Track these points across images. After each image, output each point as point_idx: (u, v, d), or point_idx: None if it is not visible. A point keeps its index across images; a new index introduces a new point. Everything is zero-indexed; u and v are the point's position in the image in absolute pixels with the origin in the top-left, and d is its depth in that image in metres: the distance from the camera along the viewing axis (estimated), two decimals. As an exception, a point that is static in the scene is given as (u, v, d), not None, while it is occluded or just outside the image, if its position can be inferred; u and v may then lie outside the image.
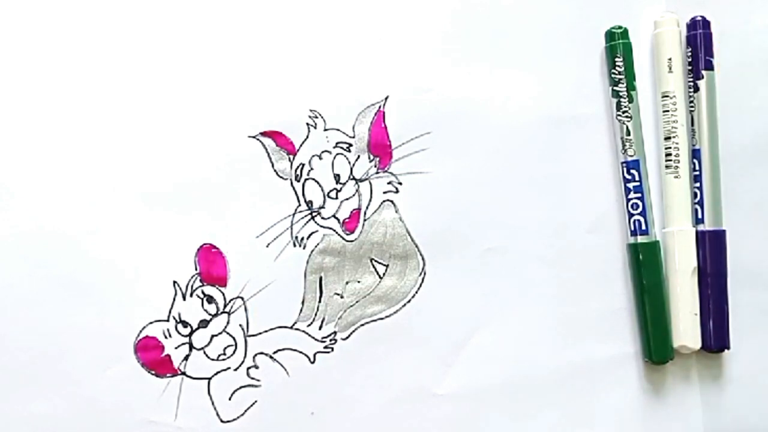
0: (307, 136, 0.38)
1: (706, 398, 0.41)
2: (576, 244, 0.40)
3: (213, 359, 0.37)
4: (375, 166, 0.39)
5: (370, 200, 0.38)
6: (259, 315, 0.37)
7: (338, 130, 0.38)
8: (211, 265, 0.37)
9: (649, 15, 0.41)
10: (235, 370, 0.37)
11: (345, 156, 0.38)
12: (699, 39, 0.40)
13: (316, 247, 0.38)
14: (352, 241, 0.38)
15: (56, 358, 0.35)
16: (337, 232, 0.38)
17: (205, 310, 0.37)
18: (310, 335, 0.37)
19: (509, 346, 0.38)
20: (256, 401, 0.37)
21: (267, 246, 0.37)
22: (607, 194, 0.41)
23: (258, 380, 0.37)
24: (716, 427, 0.41)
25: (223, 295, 0.37)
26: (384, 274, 0.38)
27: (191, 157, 0.37)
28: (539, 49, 0.41)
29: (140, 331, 0.36)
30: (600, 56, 0.41)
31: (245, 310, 0.37)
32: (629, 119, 0.40)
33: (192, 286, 0.37)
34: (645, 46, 0.41)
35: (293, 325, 0.37)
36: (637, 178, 0.40)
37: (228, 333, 0.37)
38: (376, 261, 0.38)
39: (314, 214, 0.38)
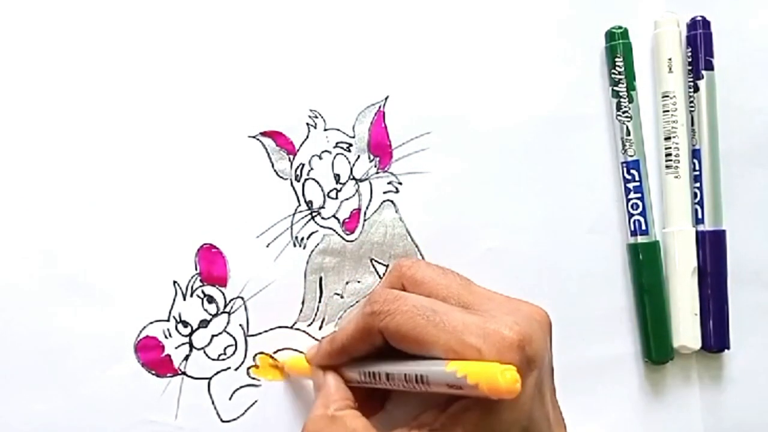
0: (307, 136, 0.38)
1: (706, 398, 0.41)
2: (576, 244, 0.40)
3: (213, 359, 0.37)
4: (375, 166, 0.39)
5: (370, 200, 0.38)
6: (259, 315, 0.37)
7: (338, 130, 0.38)
8: (211, 265, 0.37)
9: (649, 15, 0.41)
10: (236, 370, 0.37)
11: (345, 156, 0.38)
12: (699, 39, 0.40)
13: (316, 247, 0.38)
14: (352, 241, 0.38)
15: (56, 358, 0.35)
16: (337, 232, 0.38)
17: (206, 310, 0.37)
18: (310, 335, 0.37)
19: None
20: (256, 401, 0.37)
21: (267, 246, 0.37)
22: (607, 194, 0.41)
23: (258, 380, 0.37)
24: (716, 427, 0.41)
25: (223, 295, 0.37)
26: (384, 274, 0.38)
27: (191, 157, 0.37)
28: (539, 49, 0.41)
29: (140, 331, 0.36)
30: (600, 56, 0.41)
31: (245, 310, 0.37)
32: (629, 119, 0.40)
33: (192, 286, 0.37)
34: (645, 46, 0.41)
35: (293, 325, 0.37)
36: (637, 178, 0.40)
37: (228, 333, 0.37)
38: (376, 261, 0.38)
39: (314, 214, 0.38)
